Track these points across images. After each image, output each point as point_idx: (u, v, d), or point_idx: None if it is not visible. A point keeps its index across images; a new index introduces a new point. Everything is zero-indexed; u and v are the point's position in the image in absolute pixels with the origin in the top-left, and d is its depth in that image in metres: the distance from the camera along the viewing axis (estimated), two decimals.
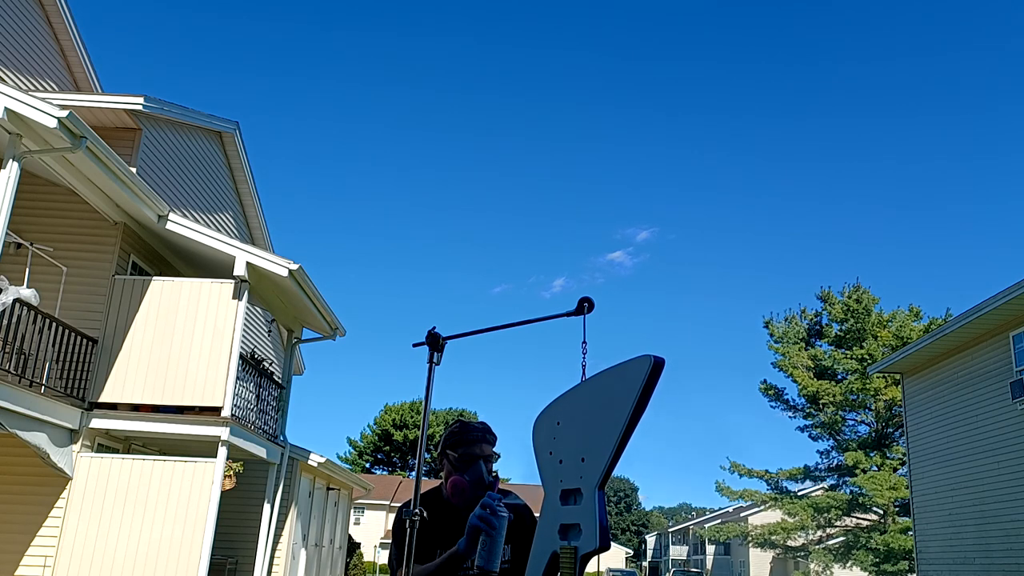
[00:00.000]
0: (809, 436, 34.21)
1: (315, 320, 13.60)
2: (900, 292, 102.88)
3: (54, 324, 9.49)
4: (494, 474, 2.59)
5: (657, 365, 1.82)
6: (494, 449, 2.62)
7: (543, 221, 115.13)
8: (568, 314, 2.23)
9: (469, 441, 2.58)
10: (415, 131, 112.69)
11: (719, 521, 56.32)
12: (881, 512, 31.19)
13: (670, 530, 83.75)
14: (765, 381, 34.92)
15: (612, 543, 1.93)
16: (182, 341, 10.44)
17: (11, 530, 9.72)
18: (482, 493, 2.47)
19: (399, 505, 2.53)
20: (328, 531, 17.09)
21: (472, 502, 2.47)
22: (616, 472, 2.21)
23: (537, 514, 2.10)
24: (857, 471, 30.82)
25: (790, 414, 34.58)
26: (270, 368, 13.78)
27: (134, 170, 10.66)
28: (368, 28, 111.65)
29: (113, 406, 10.23)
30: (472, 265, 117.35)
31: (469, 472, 2.55)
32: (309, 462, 14.16)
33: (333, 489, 17.26)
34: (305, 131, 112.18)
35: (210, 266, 11.56)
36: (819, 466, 33.97)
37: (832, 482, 34.15)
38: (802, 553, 36.60)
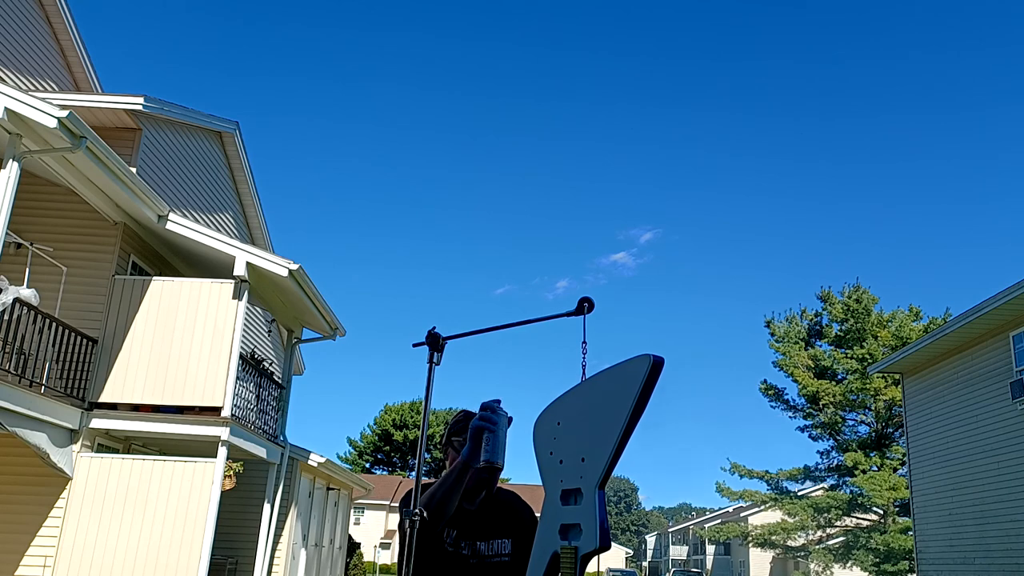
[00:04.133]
0: (809, 436, 34.26)
1: (315, 320, 13.60)
2: (900, 292, 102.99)
3: (54, 324, 9.48)
4: None
5: (656, 364, 1.81)
6: None
7: (547, 223, 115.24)
8: (568, 314, 2.23)
9: None
10: (416, 131, 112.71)
11: (719, 521, 56.33)
12: (881, 512, 31.18)
13: (670, 530, 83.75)
14: (765, 381, 34.95)
15: (612, 543, 1.93)
16: (182, 341, 10.43)
17: (11, 530, 9.71)
18: (486, 476, 2.53)
19: (400, 503, 2.55)
20: (328, 531, 17.09)
21: (476, 484, 2.55)
22: (616, 472, 2.21)
23: (538, 512, 2.10)
24: (857, 471, 30.81)
25: (790, 414, 34.62)
26: (270, 368, 13.78)
27: (134, 170, 10.66)
28: (368, 28, 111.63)
29: (113, 406, 10.22)
30: (475, 266, 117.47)
31: None
32: (309, 462, 14.15)
33: (333, 489, 17.26)
34: (305, 131, 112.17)
35: (210, 266, 11.55)
36: (819, 466, 33.99)
37: (832, 482, 34.16)
38: (802, 553, 36.61)
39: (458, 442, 2.62)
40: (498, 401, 2.56)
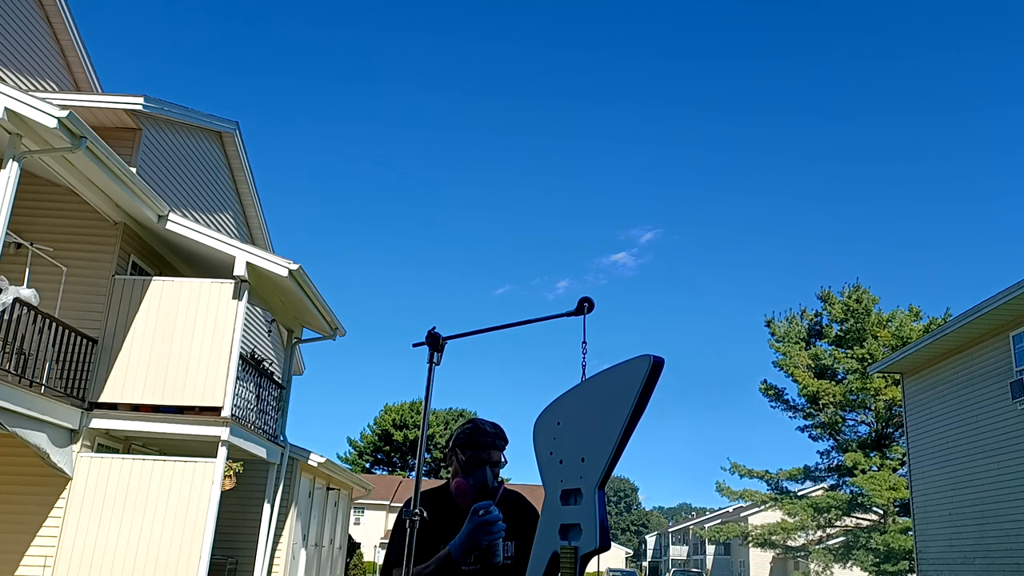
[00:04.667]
0: (809, 436, 34.26)
1: (315, 320, 13.59)
2: (900, 292, 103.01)
3: (54, 324, 9.48)
4: (500, 480, 2.60)
5: (656, 365, 1.82)
6: (503, 454, 2.63)
7: (547, 223, 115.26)
8: (568, 314, 2.23)
9: (478, 446, 2.58)
10: (416, 131, 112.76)
11: (719, 521, 56.32)
12: (881, 512, 31.17)
13: (670, 530, 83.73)
14: (765, 381, 34.95)
15: (612, 543, 1.93)
16: (182, 341, 10.43)
17: (11, 530, 9.71)
18: (484, 499, 2.50)
19: (400, 505, 2.55)
20: (328, 531, 17.09)
21: (476, 497, 2.54)
22: (616, 472, 2.21)
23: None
24: (857, 471, 30.80)
25: (790, 414, 34.62)
26: (270, 368, 13.77)
27: (134, 170, 10.65)
28: (368, 28, 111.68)
29: (113, 406, 10.22)
30: (475, 266, 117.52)
31: (474, 477, 2.57)
32: (309, 462, 14.15)
33: (333, 489, 17.26)
34: (306, 131, 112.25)
35: (210, 266, 11.55)
36: (819, 466, 33.99)
37: (832, 482, 34.15)
38: (802, 553, 36.60)
39: (461, 459, 2.60)
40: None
